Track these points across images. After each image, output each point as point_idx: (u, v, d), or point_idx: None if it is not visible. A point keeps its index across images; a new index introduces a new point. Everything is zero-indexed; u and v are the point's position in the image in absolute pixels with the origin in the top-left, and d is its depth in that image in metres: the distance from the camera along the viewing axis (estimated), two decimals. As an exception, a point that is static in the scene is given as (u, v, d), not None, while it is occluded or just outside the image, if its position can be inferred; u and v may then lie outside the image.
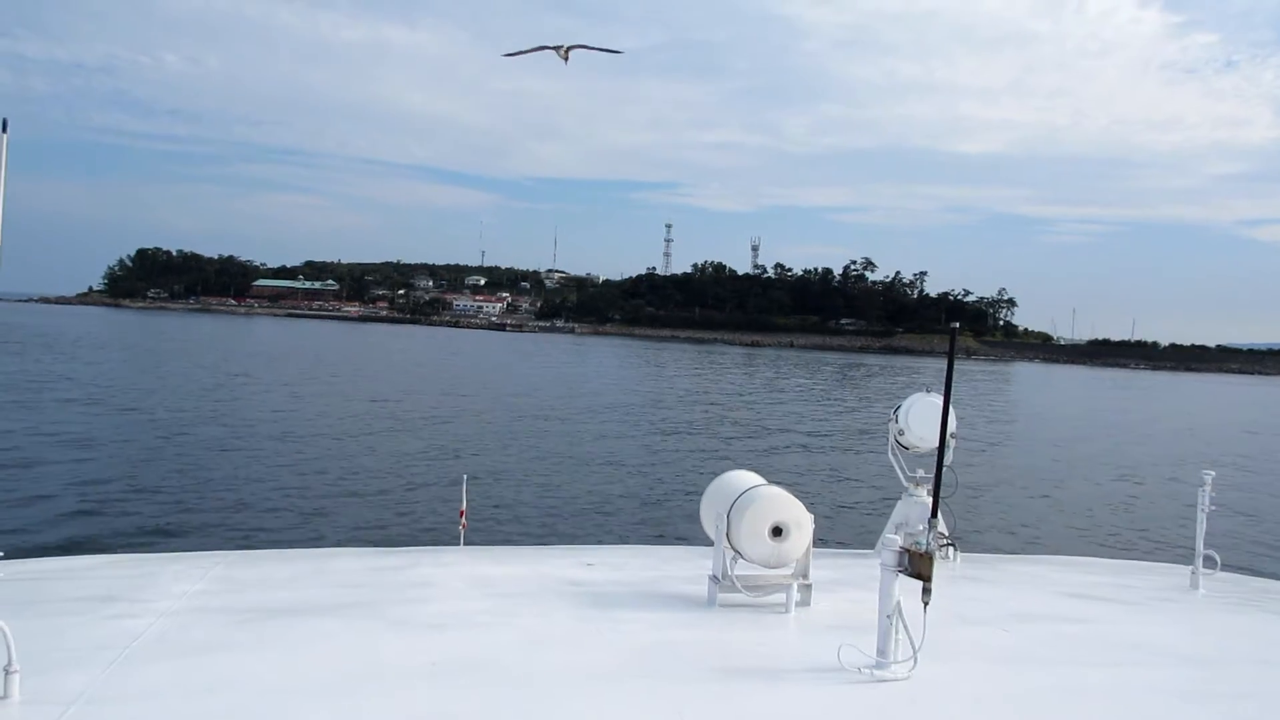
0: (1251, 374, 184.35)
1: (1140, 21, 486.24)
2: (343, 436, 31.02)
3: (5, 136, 3.38)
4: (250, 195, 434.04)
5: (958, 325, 6.99)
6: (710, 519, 5.94)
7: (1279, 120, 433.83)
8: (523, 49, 9.09)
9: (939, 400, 7.30)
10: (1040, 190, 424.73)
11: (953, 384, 6.67)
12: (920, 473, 7.80)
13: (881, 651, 4.32)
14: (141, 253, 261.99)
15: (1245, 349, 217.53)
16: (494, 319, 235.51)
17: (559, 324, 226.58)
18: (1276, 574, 15.99)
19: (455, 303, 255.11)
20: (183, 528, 17.52)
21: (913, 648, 4.26)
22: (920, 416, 7.76)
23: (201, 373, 54.15)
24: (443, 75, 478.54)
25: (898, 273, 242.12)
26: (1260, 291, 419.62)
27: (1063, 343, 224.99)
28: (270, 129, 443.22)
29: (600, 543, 16.19)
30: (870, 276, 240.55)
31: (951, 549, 7.34)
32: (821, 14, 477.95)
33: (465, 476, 8.57)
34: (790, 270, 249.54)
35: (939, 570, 4.37)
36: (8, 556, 4.69)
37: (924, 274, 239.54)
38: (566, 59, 8.93)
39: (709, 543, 5.96)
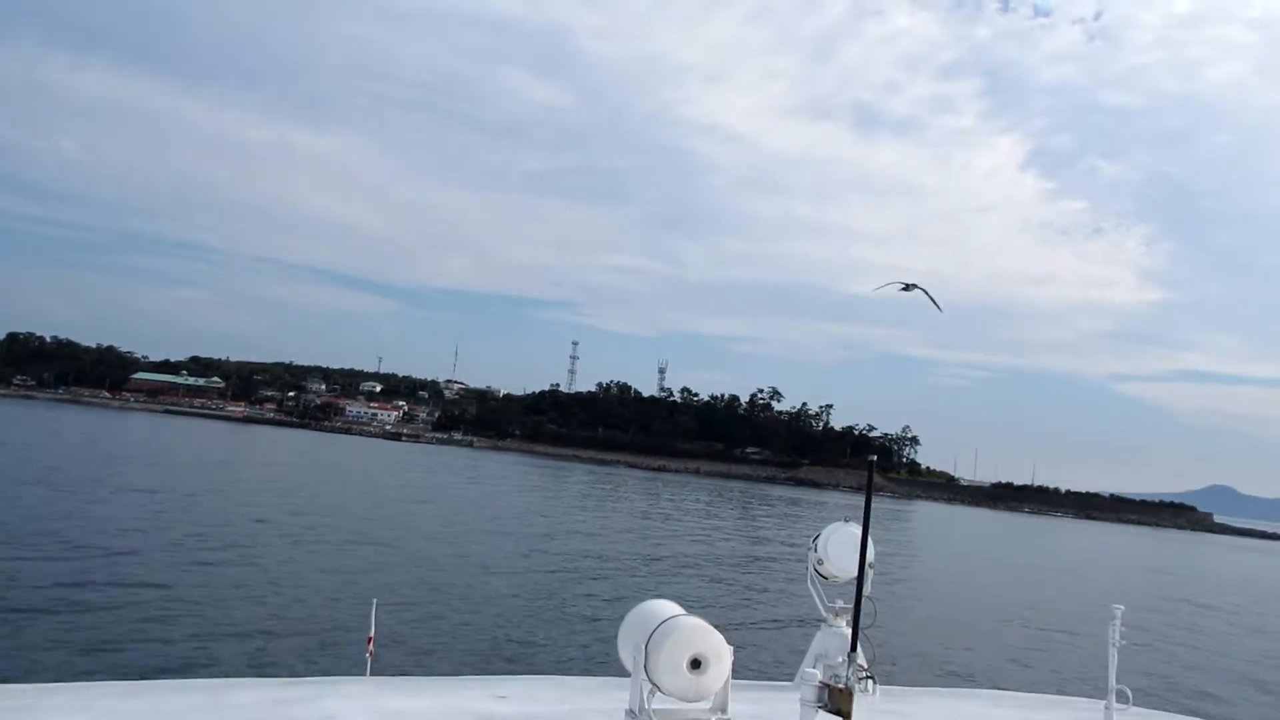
0: (1150, 525, 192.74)
1: (1019, 184, 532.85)
2: (240, 554, 29.48)
3: None
4: (138, 287, 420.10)
5: (875, 458, 7.24)
6: (628, 649, 5.89)
7: (1141, 285, 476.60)
8: (881, 285, 10.72)
9: (857, 530, 7.47)
10: (927, 333, 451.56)
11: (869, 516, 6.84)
12: (839, 603, 7.90)
13: (801, 790, 4.30)
14: (12, 337, 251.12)
15: (1138, 499, 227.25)
16: (389, 427, 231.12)
17: (457, 436, 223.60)
18: (1189, 709, 16.52)
19: (349, 408, 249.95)
20: (63, 654, 16.31)
21: None
22: (839, 546, 7.91)
23: (79, 474, 51.50)
24: (347, 181, 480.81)
25: (804, 404, 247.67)
26: (1135, 443, 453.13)
27: (964, 483, 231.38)
28: (165, 221, 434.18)
29: (513, 673, 15.81)
30: (776, 406, 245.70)
31: (871, 681, 7.40)
32: (726, 152, 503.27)
33: (375, 601, 8.39)
34: (696, 395, 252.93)
35: (858, 703, 4.39)
36: None
37: (830, 407, 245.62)
38: (908, 290, 10.44)
39: (626, 674, 5.89)
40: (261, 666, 16.47)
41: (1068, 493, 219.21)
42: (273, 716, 5.90)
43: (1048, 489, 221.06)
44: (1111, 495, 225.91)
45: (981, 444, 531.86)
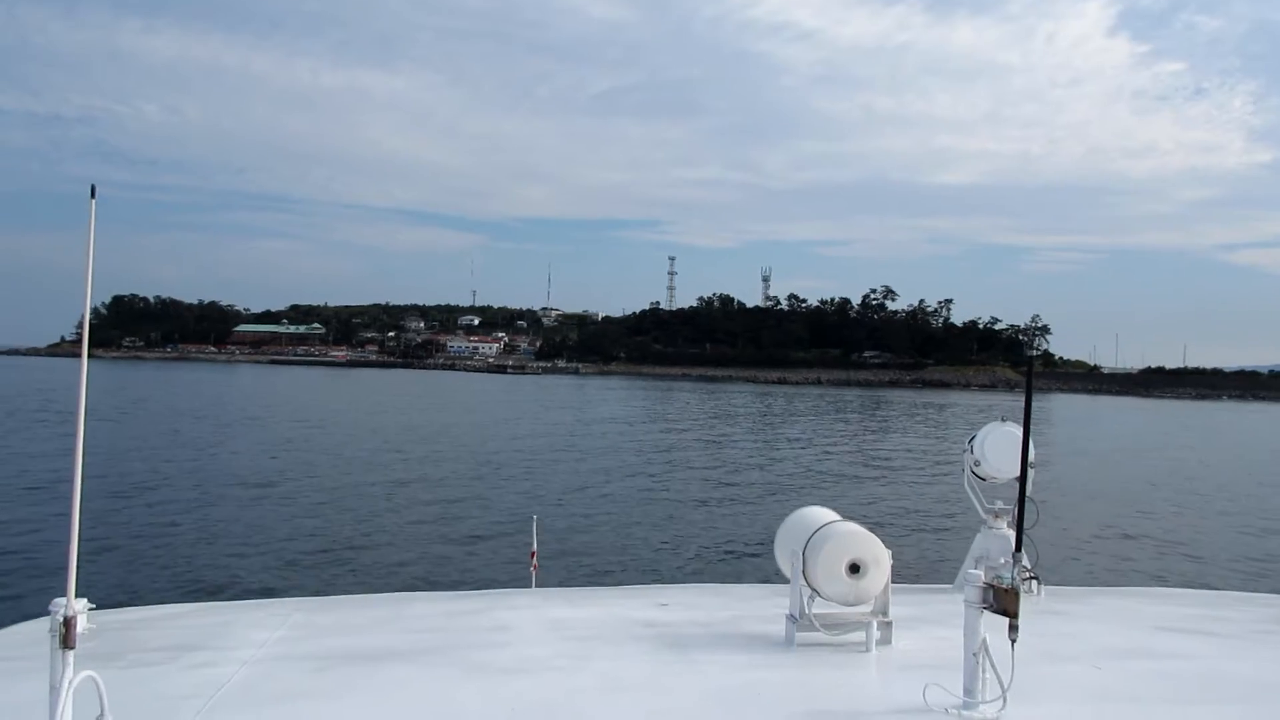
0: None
1: (1109, 51, 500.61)
2: (410, 481, 32.85)
3: (94, 202, 3.58)
4: (232, 242, 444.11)
5: (1033, 354, 7.20)
6: (785, 556, 6.12)
7: (1250, 146, 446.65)
8: None
9: (1016, 429, 7.49)
10: (1019, 219, 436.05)
11: (1012, 415, 6.85)
12: (999, 504, 7.95)
13: (968, 691, 4.41)
14: (117, 300, 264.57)
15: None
16: (492, 360, 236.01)
17: (561, 364, 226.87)
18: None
19: (449, 344, 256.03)
20: (261, 575, 18.62)
21: (1001, 687, 4.37)
22: (996, 446, 7.93)
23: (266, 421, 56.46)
24: (421, 119, 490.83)
25: (921, 301, 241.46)
26: (1253, 313, 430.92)
27: (1108, 372, 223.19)
28: (252, 176, 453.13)
29: (674, 581, 16.50)
30: (890, 306, 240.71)
31: (1035, 582, 7.47)
32: (796, 51, 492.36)
33: (535, 518, 8.86)
34: (804, 301, 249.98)
35: (1024, 604, 4.49)
36: (99, 607, 4.95)
37: (949, 302, 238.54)
38: None
39: (785, 580, 6.12)
40: (435, 584, 18.04)
41: (1217, 372, 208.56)
42: (448, 626, 6.38)
43: (1204, 370, 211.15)
44: (1270, 371, 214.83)
45: (1115, 328, 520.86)
